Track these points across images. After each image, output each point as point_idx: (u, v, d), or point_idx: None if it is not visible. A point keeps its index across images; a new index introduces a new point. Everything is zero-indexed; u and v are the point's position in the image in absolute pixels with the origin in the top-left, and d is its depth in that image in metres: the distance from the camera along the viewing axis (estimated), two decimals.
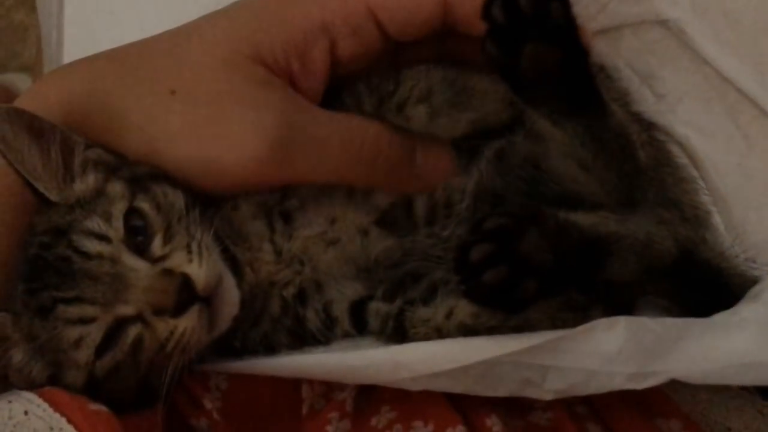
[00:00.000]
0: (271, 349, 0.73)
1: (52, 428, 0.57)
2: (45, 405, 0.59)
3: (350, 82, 0.74)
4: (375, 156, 0.70)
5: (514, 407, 0.69)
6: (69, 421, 0.58)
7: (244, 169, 0.66)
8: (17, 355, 0.66)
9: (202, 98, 0.67)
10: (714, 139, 0.82)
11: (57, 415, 0.58)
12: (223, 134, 0.66)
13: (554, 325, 0.63)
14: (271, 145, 0.66)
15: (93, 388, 0.65)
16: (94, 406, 0.60)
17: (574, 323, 0.62)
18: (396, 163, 0.71)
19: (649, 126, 0.83)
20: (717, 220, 0.81)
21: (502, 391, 0.64)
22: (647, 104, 0.84)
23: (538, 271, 0.59)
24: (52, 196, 0.68)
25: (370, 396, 0.70)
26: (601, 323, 0.60)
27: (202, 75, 0.67)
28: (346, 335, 0.74)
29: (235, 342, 0.72)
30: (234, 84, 0.67)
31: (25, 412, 0.58)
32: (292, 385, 0.71)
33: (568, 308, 0.64)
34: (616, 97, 0.79)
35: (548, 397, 0.63)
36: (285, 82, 0.69)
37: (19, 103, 0.69)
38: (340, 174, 0.70)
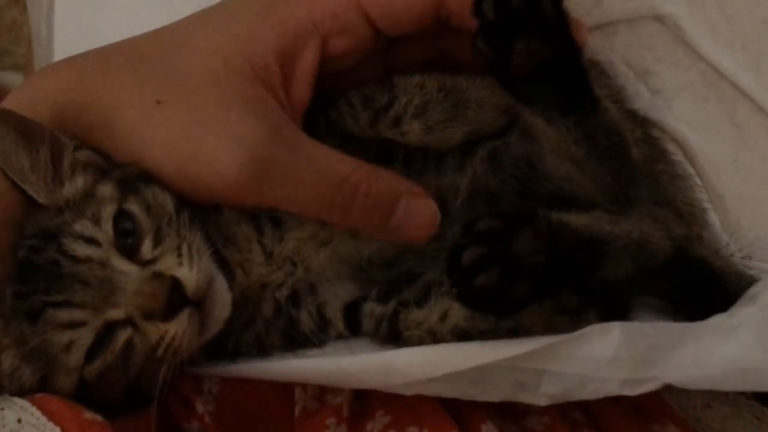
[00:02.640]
0: (264, 351, 0.73)
1: None
2: (38, 413, 0.58)
3: (345, 88, 0.74)
4: (350, 201, 0.66)
5: (509, 413, 0.69)
6: (63, 430, 0.57)
7: (218, 188, 0.65)
8: (7, 360, 0.65)
9: (185, 112, 0.66)
10: (710, 135, 0.82)
11: (50, 424, 0.58)
12: (200, 151, 0.65)
13: (548, 329, 0.62)
14: (243, 169, 0.64)
15: (83, 392, 0.64)
16: (89, 415, 0.59)
17: (569, 326, 0.61)
18: (372, 211, 0.67)
19: (643, 122, 0.82)
20: (713, 217, 0.81)
21: (496, 396, 0.63)
22: (642, 100, 0.84)
23: (531, 273, 0.58)
24: (41, 198, 0.67)
25: (364, 400, 0.70)
26: (596, 328, 0.60)
27: (190, 88, 0.66)
28: (340, 337, 0.74)
29: (228, 344, 0.72)
30: (220, 101, 0.66)
31: (18, 420, 0.57)
32: (285, 387, 0.70)
33: (562, 311, 0.64)
34: (609, 94, 0.79)
35: (543, 402, 0.62)
36: (275, 102, 0.68)
37: (6, 103, 0.69)
38: (311, 210, 0.67)
